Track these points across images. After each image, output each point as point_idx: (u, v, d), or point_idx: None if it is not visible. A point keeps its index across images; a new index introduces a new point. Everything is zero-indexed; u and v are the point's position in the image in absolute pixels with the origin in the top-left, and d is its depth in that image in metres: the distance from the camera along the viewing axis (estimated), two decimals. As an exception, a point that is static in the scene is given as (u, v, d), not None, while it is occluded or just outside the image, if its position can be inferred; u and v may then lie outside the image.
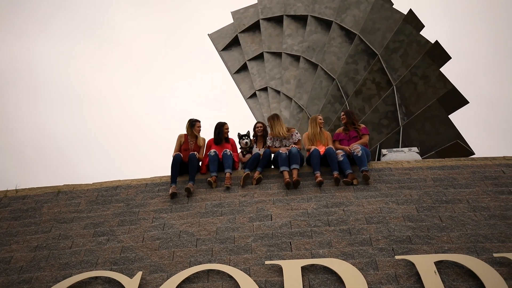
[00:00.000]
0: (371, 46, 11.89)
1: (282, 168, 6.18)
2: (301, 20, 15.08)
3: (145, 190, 6.42)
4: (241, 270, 4.68)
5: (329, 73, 12.82)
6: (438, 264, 4.55)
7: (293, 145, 6.53)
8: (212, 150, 6.51)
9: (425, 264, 4.48)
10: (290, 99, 13.77)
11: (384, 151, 7.32)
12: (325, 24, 14.03)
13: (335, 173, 6.04)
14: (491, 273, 4.35)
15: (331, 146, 6.45)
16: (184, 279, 4.61)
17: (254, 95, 15.43)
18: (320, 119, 6.95)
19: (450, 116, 10.50)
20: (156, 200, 6.12)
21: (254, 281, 4.52)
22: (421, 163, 6.60)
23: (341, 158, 6.23)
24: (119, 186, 6.62)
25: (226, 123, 6.99)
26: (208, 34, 19.55)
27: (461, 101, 10.39)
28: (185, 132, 6.88)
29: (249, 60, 16.19)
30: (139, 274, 4.73)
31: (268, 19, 16.35)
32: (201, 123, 6.87)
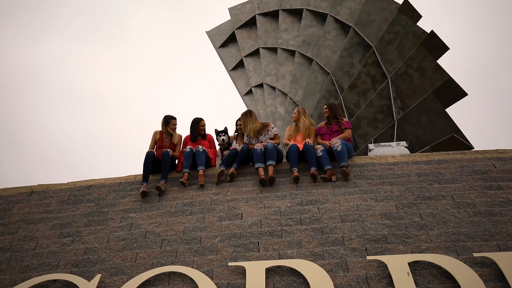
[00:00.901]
0: (365, 39, 11.51)
1: (257, 165, 5.90)
2: (296, 14, 14.75)
3: (118, 189, 6.20)
4: (204, 272, 4.43)
5: (324, 67, 12.48)
6: (413, 264, 4.23)
7: (270, 141, 6.24)
8: (188, 147, 6.27)
9: (398, 265, 4.17)
10: (285, 95, 13.47)
11: (371, 146, 7.00)
12: (321, 17, 13.69)
13: (312, 169, 5.74)
14: (469, 275, 4.02)
15: (308, 140, 6.14)
16: (144, 282, 4.37)
17: (250, 92, 15.16)
18: (295, 113, 6.65)
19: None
20: (127, 200, 5.90)
21: (216, 283, 4.27)
22: (406, 157, 6.26)
23: (320, 154, 5.93)
24: (92, 185, 6.42)
25: (202, 120, 6.73)
26: (206, 32, 19.37)
27: (459, 94, 9.96)
28: (161, 129, 6.64)
29: (246, 56, 15.93)
30: (98, 277, 4.51)
31: (265, 14, 16.06)
32: (177, 121, 6.62)
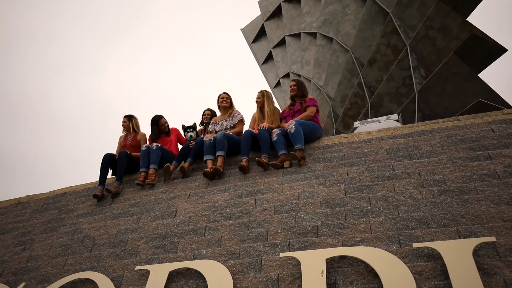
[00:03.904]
0: (382, 5, 10.21)
1: (205, 157, 5.41)
2: (318, -6, 13.76)
3: (85, 194, 6.15)
4: (114, 277, 4.10)
5: (343, 45, 11.37)
6: (339, 261, 3.44)
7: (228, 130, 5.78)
8: (144, 145, 6.00)
9: (313, 262, 3.40)
10: (309, 81, 12.59)
11: (356, 123, 6.08)
12: (340, -8, 12.54)
13: (263, 156, 5.09)
14: (399, 271, 3.12)
15: (263, 124, 5.47)
16: (58, 290, 4.18)
17: (279, 83, 14.50)
18: (259, 97, 5.97)
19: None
20: (85, 204, 5.81)
21: (121, 290, 3.91)
22: (383, 132, 5.26)
23: (275, 138, 5.23)
24: (66, 192, 6.46)
25: (162, 118, 6.41)
26: (240, 29, 19.11)
27: (495, 51, 8.27)
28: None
29: (274, 47, 15.31)
30: (22, 285, 4.43)
31: (289, 0, 15.28)
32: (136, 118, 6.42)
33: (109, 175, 6.23)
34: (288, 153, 5.07)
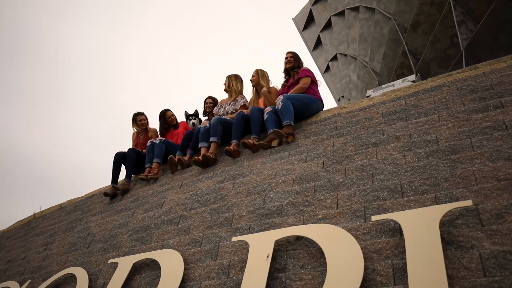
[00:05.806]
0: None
1: (200, 145, 5.20)
2: (359, -35, 12.73)
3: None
4: (94, 271, 4.11)
5: (386, 13, 10.31)
6: (295, 243, 2.99)
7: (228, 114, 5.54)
8: (149, 141, 6.00)
9: (262, 245, 2.99)
10: (355, 59, 11.68)
11: (369, 91, 5.40)
12: (379, -43, 11.43)
13: (251, 138, 4.75)
14: (348, 250, 2.58)
15: (264, 89, 5.14)
16: (51, 284, 4.30)
17: (328, 68, 13.73)
18: (253, 75, 5.58)
19: None
20: (101, 204, 5.99)
21: (98, 283, 3.90)
22: (386, 96, 4.57)
23: (266, 116, 4.84)
24: (95, 194, 6.75)
25: (169, 111, 6.35)
26: (292, 19, 18.61)
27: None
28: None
29: (321, 31, 14.57)
30: (27, 283, 4.67)
31: (333, -21, 14.42)
32: (146, 115, 6.44)
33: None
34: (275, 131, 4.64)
